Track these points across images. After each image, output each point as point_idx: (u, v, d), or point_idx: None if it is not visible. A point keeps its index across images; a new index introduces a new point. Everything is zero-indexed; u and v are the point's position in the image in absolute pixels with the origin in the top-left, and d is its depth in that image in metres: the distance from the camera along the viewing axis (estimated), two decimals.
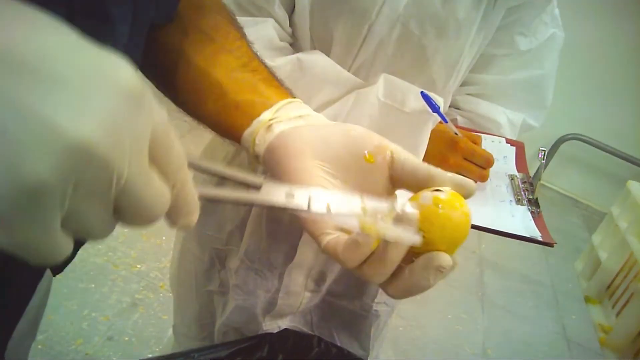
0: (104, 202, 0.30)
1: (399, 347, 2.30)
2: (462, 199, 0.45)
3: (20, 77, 0.25)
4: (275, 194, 0.43)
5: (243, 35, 0.65)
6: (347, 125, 0.54)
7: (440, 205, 0.44)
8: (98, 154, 0.27)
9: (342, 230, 0.49)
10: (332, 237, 0.49)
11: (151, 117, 0.31)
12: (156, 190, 0.33)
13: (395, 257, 0.45)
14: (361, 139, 0.53)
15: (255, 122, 0.56)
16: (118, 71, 0.28)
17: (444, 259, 0.45)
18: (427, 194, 0.45)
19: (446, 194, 0.44)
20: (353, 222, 0.43)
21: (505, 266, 3.12)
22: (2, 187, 0.25)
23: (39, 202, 0.26)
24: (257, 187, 0.43)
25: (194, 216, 0.38)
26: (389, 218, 0.44)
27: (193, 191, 0.37)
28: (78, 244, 0.70)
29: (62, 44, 0.27)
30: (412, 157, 0.51)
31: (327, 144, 0.53)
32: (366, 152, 0.51)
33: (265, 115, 0.56)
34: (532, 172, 0.94)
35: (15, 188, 0.25)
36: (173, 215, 0.36)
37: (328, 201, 0.44)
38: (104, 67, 0.28)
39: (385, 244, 0.45)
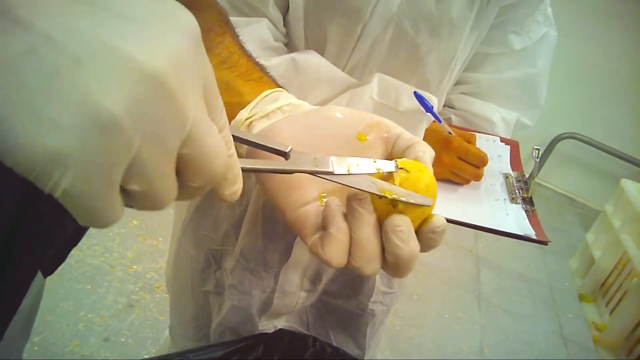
0: (170, 150, 0.29)
1: (396, 347, 2.30)
2: (421, 163, 0.47)
3: (89, 11, 0.25)
4: (303, 162, 0.44)
5: (227, 30, 0.63)
6: (330, 109, 0.54)
7: (409, 172, 0.45)
8: (168, 87, 0.27)
9: (323, 227, 0.48)
10: (315, 237, 0.48)
11: (205, 63, 0.32)
12: (218, 141, 0.33)
13: (367, 235, 0.45)
14: (350, 120, 0.52)
15: (232, 123, 0.55)
16: (181, 13, 0.29)
17: (397, 219, 0.45)
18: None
19: (407, 162, 0.46)
20: (370, 186, 0.44)
21: (502, 265, 3.13)
22: (74, 119, 0.24)
23: (109, 139, 0.26)
24: (285, 155, 0.44)
25: (239, 186, 0.37)
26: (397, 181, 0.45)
27: (236, 156, 0.37)
28: (71, 244, 0.71)
29: None
30: (406, 132, 0.51)
31: (311, 133, 0.52)
32: (357, 131, 0.51)
33: (242, 115, 0.55)
34: (528, 171, 0.94)
35: (88, 120, 0.25)
36: (220, 183, 0.36)
37: (348, 164, 0.44)
38: (167, 8, 0.29)
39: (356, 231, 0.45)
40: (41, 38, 0.24)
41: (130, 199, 0.30)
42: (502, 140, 0.96)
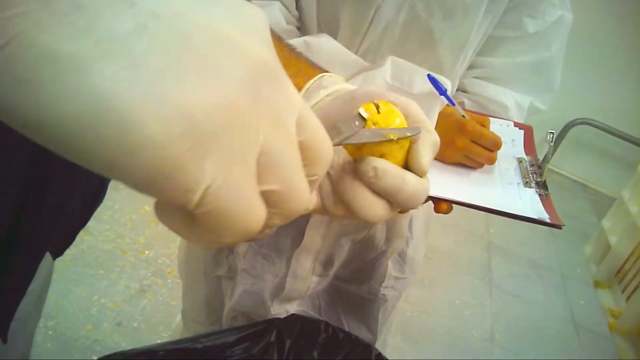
0: (292, 133, 0.28)
1: (406, 332, 2.30)
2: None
3: (205, 6, 0.24)
4: (335, 135, 0.42)
5: None
6: (355, 92, 0.49)
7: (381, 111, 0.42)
8: (272, 67, 0.26)
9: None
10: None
11: None
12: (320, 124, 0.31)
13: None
14: (357, 100, 0.48)
15: None
16: (255, 6, 0.28)
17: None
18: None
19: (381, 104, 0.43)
20: (377, 136, 0.41)
21: (513, 251, 3.12)
22: (201, 100, 0.23)
23: (239, 119, 0.24)
24: None
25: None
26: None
27: None
28: (78, 225, 0.71)
29: None
30: (417, 114, 0.47)
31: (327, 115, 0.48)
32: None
33: None
34: (541, 156, 0.94)
35: (216, 100, 0.23)
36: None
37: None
38: (243, 1, 0.27)
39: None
40: (148, 15, 0.22)
41: (270, 206, 0.28)
42: (516, 124, 0.95)
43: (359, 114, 0.41)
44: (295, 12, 0.88)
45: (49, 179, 0.57)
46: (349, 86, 0.52)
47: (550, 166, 4.05)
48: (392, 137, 0.41)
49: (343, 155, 0.43)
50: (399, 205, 0.43)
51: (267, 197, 0.27)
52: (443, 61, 0.88)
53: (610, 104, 3.95)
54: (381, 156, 0.42)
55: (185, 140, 0.22)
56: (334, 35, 0.86)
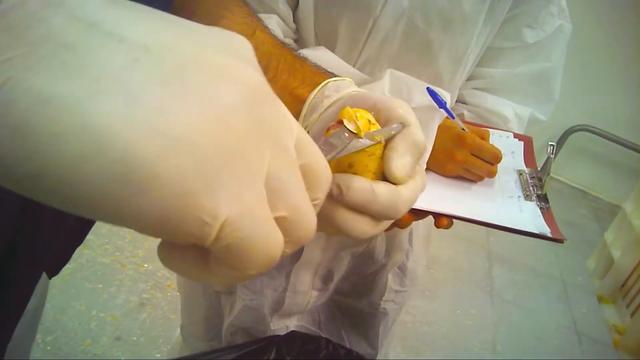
0: (293, 156, 0.27)
1: (407, 344, 2.29)
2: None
3: (166, 26, 0.24)
4: (329, 150, 0.41)
5: (257, 25, 0.56)
6: (345, 102, 0.49)
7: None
8: (269, 91, 0.26)
9: None
10: None
11: None
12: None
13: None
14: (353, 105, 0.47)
15: None
16: (238, 35, 0.28)
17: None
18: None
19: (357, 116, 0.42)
20: (366, 142, 0.41)
21: (514, 260, 3.11)
22: (204, 128, 0.22)
23: (245, 144, 0.23)
24: None
25: None
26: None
27: None
28: (74, 244, 0.70)
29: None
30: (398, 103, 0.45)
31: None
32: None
33: None
34: (540, 164, 0.93)
35: (220, 126, 0.22)
36: None
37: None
38: (232, 36, 0.27)
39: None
40: (139, 49, 0.22)
41: (283, 234, 0.27)
42: (516, 136, 0.95)
43: (346, 127, 0.40)
44: (293, 25, 0.87)
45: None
46: (351, 90, 0.51)
47: (550, 174, 4.05)
48: (379, 140, 0.40)
49: None
50: (381, 217, 0.42)
51: (278, 225, 0.26)
52: (442, 72, 0.88)
53: (609, 110, 3.96)
54: (350, 167, 0.41)
55: (195, 172, 0.21)
56: (332, 48, 0.85)
